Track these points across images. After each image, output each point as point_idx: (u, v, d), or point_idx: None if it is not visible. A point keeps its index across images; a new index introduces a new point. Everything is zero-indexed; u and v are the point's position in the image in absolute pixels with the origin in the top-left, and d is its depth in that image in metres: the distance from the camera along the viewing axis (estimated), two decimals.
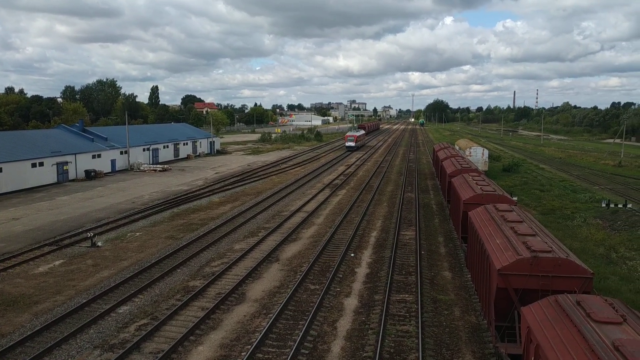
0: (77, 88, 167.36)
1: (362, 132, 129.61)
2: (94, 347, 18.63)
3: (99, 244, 32.42)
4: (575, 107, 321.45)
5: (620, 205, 43.86)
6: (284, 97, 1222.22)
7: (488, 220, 21.92)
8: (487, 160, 69.56)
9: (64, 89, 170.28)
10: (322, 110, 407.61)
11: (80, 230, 36.16)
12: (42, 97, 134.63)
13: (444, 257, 30.36)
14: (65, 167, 59.63)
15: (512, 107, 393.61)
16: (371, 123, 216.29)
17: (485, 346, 18.87)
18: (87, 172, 61.99)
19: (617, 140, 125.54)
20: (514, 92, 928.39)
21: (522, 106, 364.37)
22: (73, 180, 60.22)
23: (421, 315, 21.17)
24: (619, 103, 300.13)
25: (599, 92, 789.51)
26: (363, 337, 19.57)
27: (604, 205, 44.85)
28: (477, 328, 20.51)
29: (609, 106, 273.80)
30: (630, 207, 43.01)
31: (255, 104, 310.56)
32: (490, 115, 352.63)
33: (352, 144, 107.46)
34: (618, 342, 10.59)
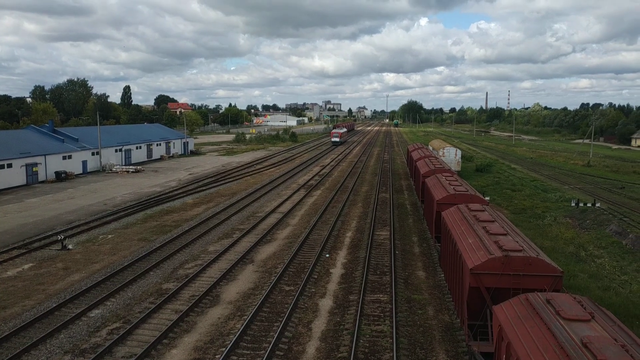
0: (47, 88, 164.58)
1: (345, 129, 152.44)
2: (65, 352, 18.28)
3: (70, 246, 31.81)
4: (545, 107, 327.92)
5: (589, 205, 44.87)
6: (258, 98, 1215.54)
7: (461, 220, 22.20)
8: (460, 160, 70.50)
9: (33, 88, 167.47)
10: (297, 110, 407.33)
11: (50, 233, 35.45)
12: (10, 97, 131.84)
13: (418, 257, 30.63)
14: (34, 169, 58.37)
15: (484, 108, 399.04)
16: (347, 123, 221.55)
17: (459, 345, 19.11)
18: (57, 173, 60.79)
19: (586, 141, 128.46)
20: (487, 93, 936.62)
21: (495, 107, 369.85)
22: (43, 182, 58.98)
23: (395, 315, 21.31)
24: (588, 104, 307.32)
25: (569, 93, 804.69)
26: (338, 338, 19.61)
27: (573, 204, 45.81)
28: (451, 327, 20.74)
29: (578, 107, 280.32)
30: (598, 206, 44.04)
31: (230, 105, 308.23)
32: (463, 116, 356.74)
33: (337, 139, 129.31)
34: (586, 339, 10.84)
